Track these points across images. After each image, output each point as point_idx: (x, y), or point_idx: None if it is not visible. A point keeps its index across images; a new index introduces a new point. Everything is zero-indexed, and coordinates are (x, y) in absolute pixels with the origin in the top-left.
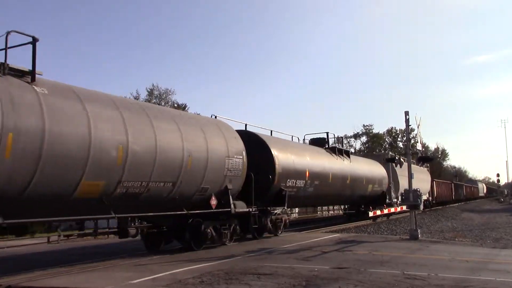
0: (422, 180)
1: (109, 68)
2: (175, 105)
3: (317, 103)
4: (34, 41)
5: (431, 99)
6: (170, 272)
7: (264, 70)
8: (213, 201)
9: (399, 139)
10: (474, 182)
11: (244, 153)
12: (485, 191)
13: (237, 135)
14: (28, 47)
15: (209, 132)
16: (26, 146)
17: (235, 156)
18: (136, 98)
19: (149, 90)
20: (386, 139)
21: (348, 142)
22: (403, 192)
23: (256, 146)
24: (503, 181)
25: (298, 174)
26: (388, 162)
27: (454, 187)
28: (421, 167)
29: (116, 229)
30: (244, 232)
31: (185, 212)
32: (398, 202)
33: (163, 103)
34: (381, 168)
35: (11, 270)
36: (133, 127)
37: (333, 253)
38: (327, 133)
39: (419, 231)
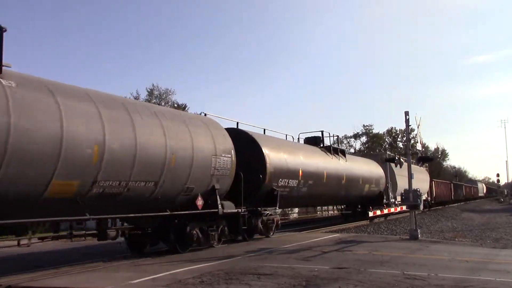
0: (421, 180)
1: (109, 68)
2: (175, 105)
3: (317, 103)
4: (0, 31)
5: (431, 99)
6: (170, 272)
7: (264, 70)
8: (199, 202)
9: (399, 139)
10: (473, 182)
11: (233, 151)
12: (484, 191)
13: (225, 132)
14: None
15: (195, 129)
16: None
17: (223, 155)
18: (136, 98)
19: (149, 90)
20: (386, 139)
21: (348, 142)
22: (403, 192)
23: (246, 144)
24: (503, 181)
25: (290, 173)
26: (388, 162)
27: (453, 187)
28: (420, 167)
29: (94, 231)
30: (234, 233)
31: (168, 213)
32: (396, 202)
33: (163, 103)
34: (378, 168)
35: (11, 270)
36: (110, 123)
37: (333, 253)
38: (322, 131)
39: (419, 231)
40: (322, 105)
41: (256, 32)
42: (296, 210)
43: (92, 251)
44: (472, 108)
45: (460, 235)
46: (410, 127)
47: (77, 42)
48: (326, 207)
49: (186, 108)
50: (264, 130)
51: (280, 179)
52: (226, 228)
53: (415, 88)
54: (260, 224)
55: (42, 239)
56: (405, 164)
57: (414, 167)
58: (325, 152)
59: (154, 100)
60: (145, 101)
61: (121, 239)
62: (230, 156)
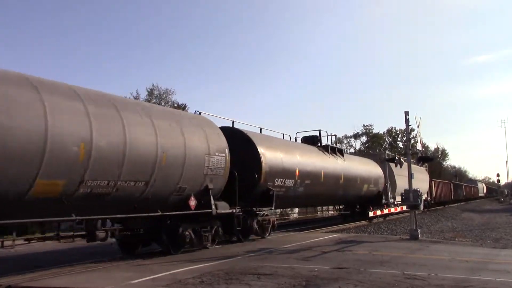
0: (420, 180)
1: (109, 68)
2: (175, 105)
3: (317, 103)
4: None
5: (431, 99)
6: (170, 272)
7: (264, 70)
8: (192, 202)
9: (399, 139)
10: (473, 182)
11: (227, 150)
12: (485, 191)
13: (219, 131)
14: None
15: (188, 127)
16: None
17: (217, 154)
18: (136, 98)
19: (149, 90)
20: (386, 139)
21: (348, 142)
22: (403, 192)
23: (241, 143)
24: (503, 181)
25: (287, 173)
26: (388, 162)
27: (453, 187)
28: (420, 167)
29: (83, 233)
30: (229, 234)
31: (159, 213)
32: (396, 202)
33: (163, 103)
34: (377, 168)
35: (11, 270)
36: (98, 121)
37: (333, 253)
38: (319, 130)
39: (419, 231)
40: (322, 105)
41: (256, 32)
42: (296, 210)
43: (92, 251)
44: (472, 108)
45: (460, 235)
46: (410, 127)
47: (77, 42)
48: (326, 207)
49: (186, 108)
50: (261, 129)
51: (276, 179)
52: (220, 229)
53: (415, 88)
54: (255, 224)
55: (28, 240)
56: (404, 164)
57: (413, 166)
58: (323, 152)
59: (154, 100)
60: (145, 101)
61: (112, 240)
62: (224, 155)
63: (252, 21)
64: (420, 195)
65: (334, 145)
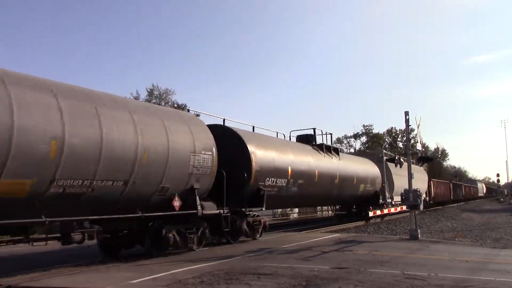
0: (419, 180)
1: (109, 68)
2: (175, 105)
3: (317, 103)
4: None
5: (431, 99)
6: (170, 272)
7: (264, 70)
8: (176, 202)
9: (399, 139)
10: (473, 182)
11: (214, 148)
12: (484, 191)
13: (206, 129)
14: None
15: (172, 124)
16: None
17: (203, 152)
18: (136, 98)
19: (149, 90)
20: (386, 139)
21: (348, 142)
22: (402, 192)
23: (231, 141)
24: (503, 181)
25: (278, 172)
26: (386, 161)
27: (452, 187)
28: (418, 167)
29: (57, 235)
30: (219, 236)
31: (139, 214)
32: (393, 202)
33: (163, 103)
34: (374, 167)
35: (11, 270)
36: (72, 116)
37: (333, 253)
38: (314, 129)
39: (419, 231)
40: (322, 105)
41: (256, 32)
42: (296, 210)
43: (93, 251)
44: (472, 108)
45: (460, 235)
46: (410, 127)
47: (77, 42)
48: (326, 207)
49: (186, 108)
50: (253, 127)
51: (267, 178)
52: (207, 230)
53: (415, 88)
54: (245, 225)
55: None
56: (404, 164)
57: (412, 166)
58: (317, 151)
59: (154, 100)
60: (145, 101)
61: (89, 242)
62: (211, 153)
63: (252, 21)
64: (420, 195)
65: (330, 144)
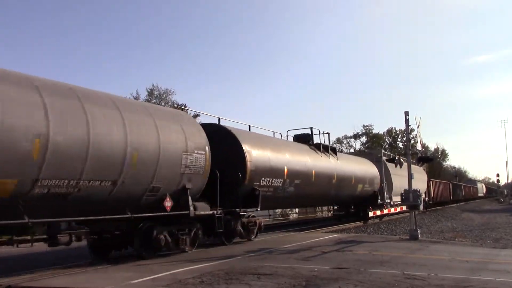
0: (418, 180)
1: (109, 68)
2: (175, 105)
3: (317, 103)
4: None
5: (431, 99)
6: (170, 272)
7: (264, 70)
8: (167, 203)
9: (399, 139)
10: (473, 182)
11: (207, 148)
12: (484, 191)
13: (199, 127)
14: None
15: (163, 122)
16: None
17: (196, 151)
18: (136, 98)
19: (149, 90)
20: (386, 139)
21: (348, 142)
22: (402, 192)
23: (226, 140)
24: (503, 181)
25: (274, 172)
26: (384, 161)
27: (452, 187)
28: (418, 167)
29: (43, 236)
30: (213, 237)
31: (128, 215)
32: (392, 202)
33: (163, 103)
34: (372, 167)
35: (11, 270)
36: (57, 113)
37: (333, 253)
38: (311, 128)
39: (419, 231)
40: (322, 105)
41: (256, 32)
42: (296, 210)
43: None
44: (472, 108)
45: (460, 235)
46: (410, 127)
47: (77, 42)
48: (326, 207)
49: (186, 108)
50: (249, 126)
51: (263, 178)
52: (200, 231)
53: (415, 88)
54: (239, 226)
55: None
56: (403, 164)
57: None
58: (314, 150)
59: (154, 100)
60: (145, 101)
61: (82, 244)
62: (204, 153)
63: (252, 21)
64: (419, 195)
65: (327, 143)
